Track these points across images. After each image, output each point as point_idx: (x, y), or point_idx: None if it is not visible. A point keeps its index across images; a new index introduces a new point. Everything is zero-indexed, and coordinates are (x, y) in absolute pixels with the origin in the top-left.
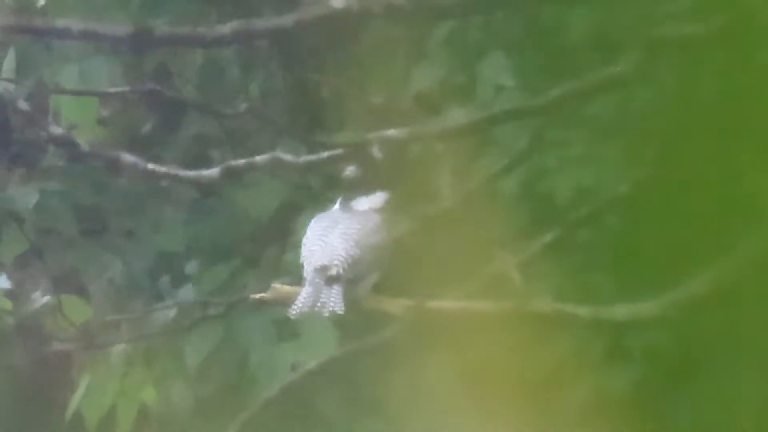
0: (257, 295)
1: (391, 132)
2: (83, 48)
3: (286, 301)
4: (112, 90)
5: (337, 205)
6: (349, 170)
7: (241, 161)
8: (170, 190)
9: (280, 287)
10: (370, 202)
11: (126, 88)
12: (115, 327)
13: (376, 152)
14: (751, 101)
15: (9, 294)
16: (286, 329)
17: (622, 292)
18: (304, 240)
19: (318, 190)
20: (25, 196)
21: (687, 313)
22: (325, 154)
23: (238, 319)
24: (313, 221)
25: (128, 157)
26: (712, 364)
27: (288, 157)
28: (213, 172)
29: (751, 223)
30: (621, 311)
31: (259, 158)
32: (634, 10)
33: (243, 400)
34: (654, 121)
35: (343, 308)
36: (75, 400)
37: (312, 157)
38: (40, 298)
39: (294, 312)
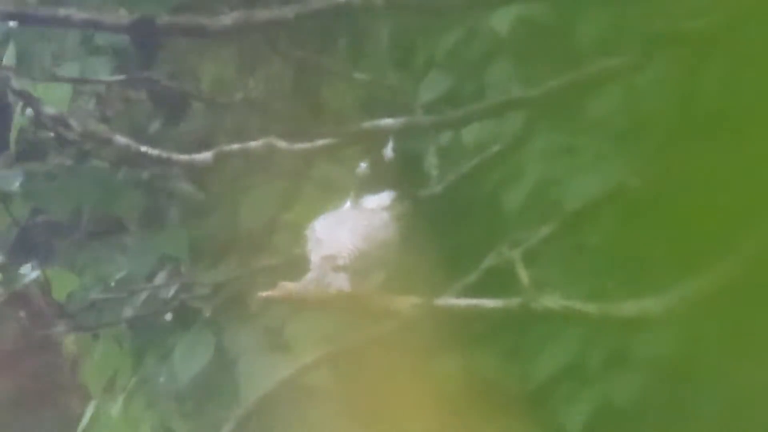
0: (264, 294)
1: (387, 122)
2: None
3: (294, 300)
4: (109, 78)
5: (347, 205)
6: (362, 167)
7: (235, 146)
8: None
9: (287, 285)
10: (378, 200)
11: (123, 77)
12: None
13: (388, 152)
14: (755, 97)
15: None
16: (278, 339)
17: (629, 290)
18: (309, 233)
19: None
20: (10, 178)
21: (696, 311)
22: (320, 143)
23: (229, 326)
24: (320, 218)
25: (121, 139)
26: (720, 362)
27: (282, 144)
28: (206, 156)
29: (759, 219)
30: (629, 308)
31: (253, 144)
32: (634, 4)
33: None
34: (658, 117)
35: (349, 287)
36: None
37: (307, 146)
38: (30, 273)
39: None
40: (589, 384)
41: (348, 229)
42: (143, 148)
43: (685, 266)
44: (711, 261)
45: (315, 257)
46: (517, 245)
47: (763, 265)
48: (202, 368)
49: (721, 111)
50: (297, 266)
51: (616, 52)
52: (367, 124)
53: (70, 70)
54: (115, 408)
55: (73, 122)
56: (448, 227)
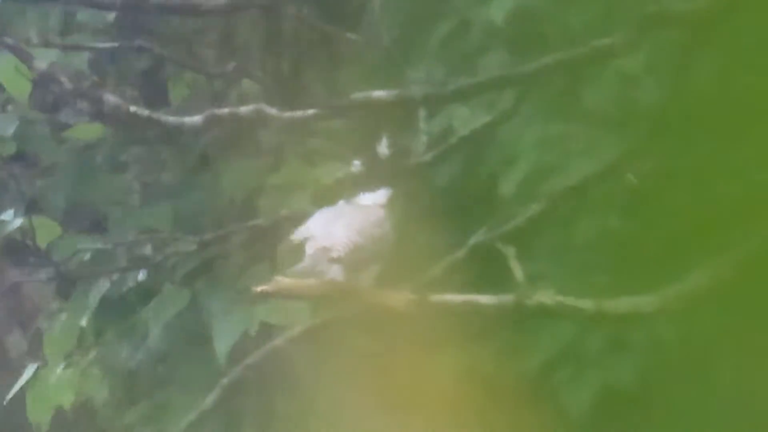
0: (259, 288)
1: (378, 93)
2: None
3: (289, 294)
4: (101, 45)
5: (341, 202)
6: (355, 165)
7: (225, 110)
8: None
9: (282, 280)
10: (374, 198)
11: (115, 44)
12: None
13: (383, 149)
14: (751, 82)
15: None
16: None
17: (623, 285)
18: (304, 229)
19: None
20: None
21: (689, 306)
22: (310, 112)
23: (205, 289)
24: (316, 213)
25: (111, 98)
26: (714, 358)
27: (272, 110)
28: (196, 119)
29: (754, 214)
30: (623, 304)
31: (243, 108)
32: None
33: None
34: (652, 105)
35: (342, 277)
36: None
37: (297, 114)
38: (13, 220)
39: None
40: (588, 369)
41: (343, 224)
42: (133, 108)
43: (680, 262)
44: (706, 256)
45: (310, 249)
46: (506, 221)
47: (758, 260)
48: (173, 318)
49: (716, 97)
50: (291, 253)
51: (609, 35)
52: (358, 95)
53: (49, 54)
54: (66, 373)
55: (64, 79)
56: (443, 218)
